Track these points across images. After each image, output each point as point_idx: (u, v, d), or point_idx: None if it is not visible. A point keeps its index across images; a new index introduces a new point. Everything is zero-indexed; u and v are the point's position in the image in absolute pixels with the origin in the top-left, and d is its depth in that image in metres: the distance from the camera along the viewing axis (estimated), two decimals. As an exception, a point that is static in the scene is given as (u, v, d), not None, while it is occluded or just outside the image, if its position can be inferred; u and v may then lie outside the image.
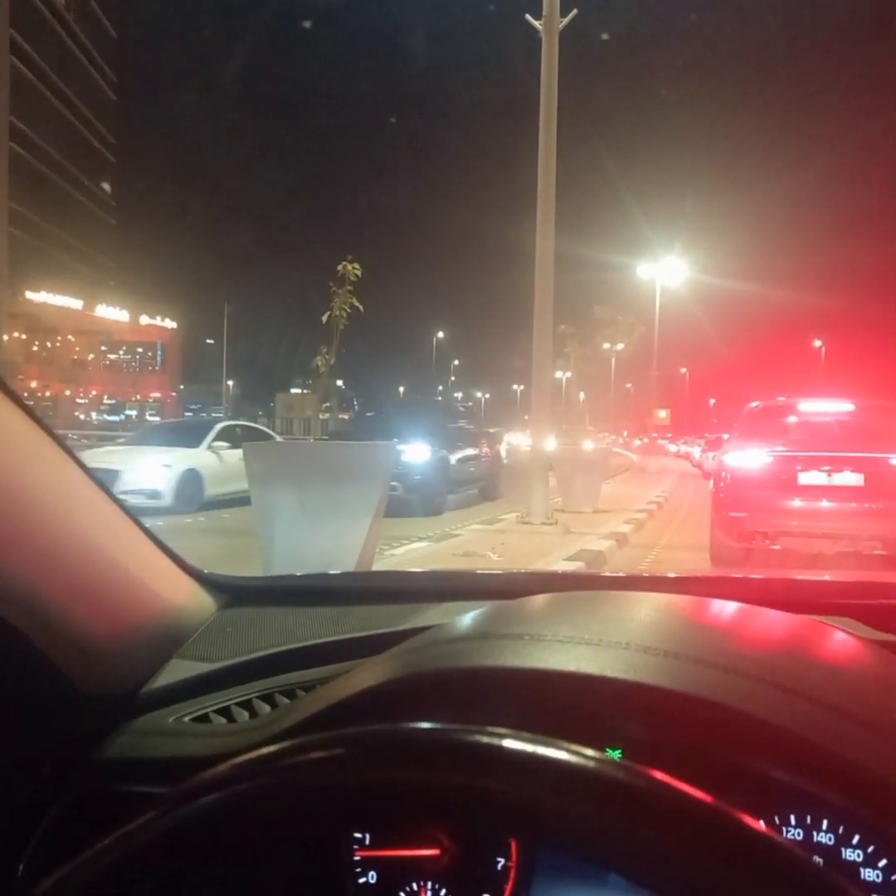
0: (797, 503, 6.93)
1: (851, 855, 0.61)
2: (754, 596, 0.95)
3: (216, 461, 11.69)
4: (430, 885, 0.71)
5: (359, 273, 5.68)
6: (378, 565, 5.71)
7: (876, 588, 1.12)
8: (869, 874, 0.60)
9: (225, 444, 11.89)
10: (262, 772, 0.45)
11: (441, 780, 0.43)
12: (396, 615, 1.02)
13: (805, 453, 7.10)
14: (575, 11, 9.49)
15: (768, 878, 0.36)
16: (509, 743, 0.42)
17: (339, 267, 5.66)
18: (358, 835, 0.74)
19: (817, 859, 0.61)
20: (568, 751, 0.41)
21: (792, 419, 7.88)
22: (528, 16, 9.62)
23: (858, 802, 0.57)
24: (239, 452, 12.37)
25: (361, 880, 0.74)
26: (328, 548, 4.80)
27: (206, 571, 1.10)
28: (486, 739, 0.43)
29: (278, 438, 13.55)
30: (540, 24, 9.54)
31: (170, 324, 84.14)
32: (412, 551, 7.45)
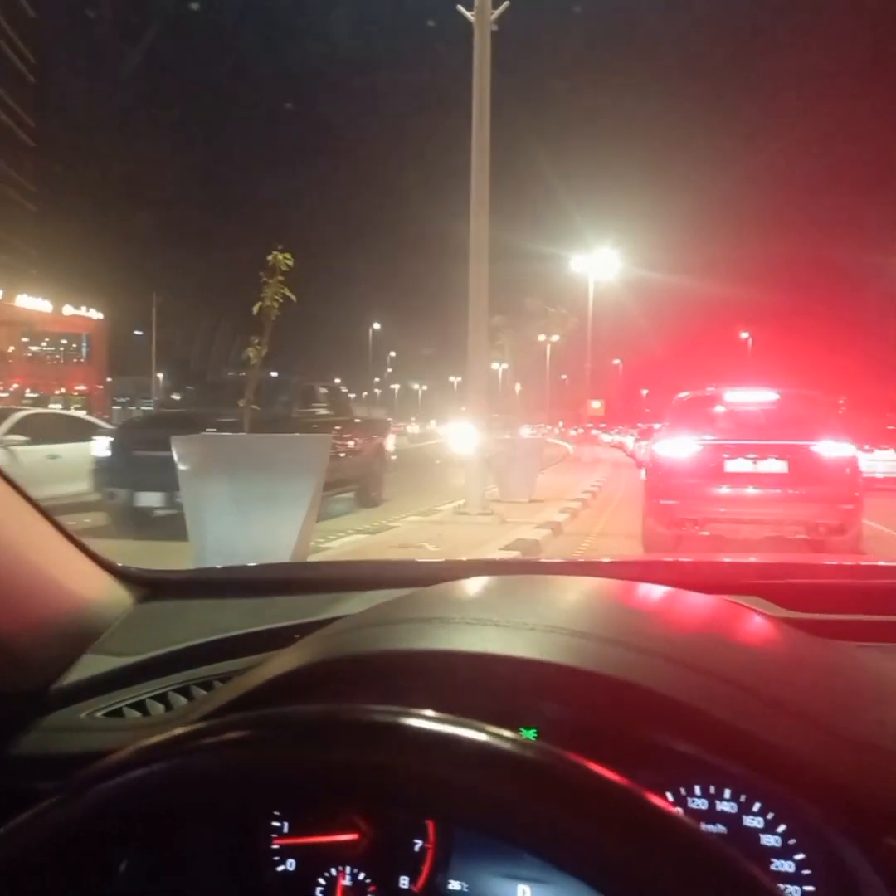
0: (725, 490, 7.12)
1: (752, 822, 0.64)
2: (670, 578, 0.98)
3: (7, 460, 8.85)
4: (348, 869, 0.72)
5: (290, 263, 5.60)
6: (313, 559, 5.66)
7: (783, 568, 1.18)
8: (768, 839, 0.63)
9: (23, 438, 9.43)
10: (162, 756, 0.44)
11: (349, 760, 0.42)
12: (319, 605, 1.01)
13: (732, 442, 7.31)
14: (507, 2, 9.51)
15: (675, 858, 0.37)
16: (417, 722, 0.42)
17: (270, 257, 5.58)
18: (276, 823, 0.73)
19: (720, 827, 0.64)
20: (478, 730, 0.41)
21: (719, 408, 8.09)
22: (460, 6, 9.60)
23: (758, 772, 0.60)
24: (47, 449, 9.69)
25: (280, 868, 0.73)
26: (262, 542, 4.74)
27: (120, 565, 1.07)
28: (393, 719, 0.43)
29: (106, 427, 10.86)
30: (472, 15, 9.53)
31: (95, 314, 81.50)
32: (348, 544, 7.41)
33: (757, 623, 0.85)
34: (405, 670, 0.68)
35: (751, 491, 7.07)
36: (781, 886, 0.62)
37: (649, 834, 0.38)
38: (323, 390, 11.17)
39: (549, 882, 0.65)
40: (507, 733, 0.41)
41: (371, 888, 0.71)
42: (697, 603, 0.89)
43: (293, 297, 5.54)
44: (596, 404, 34.99)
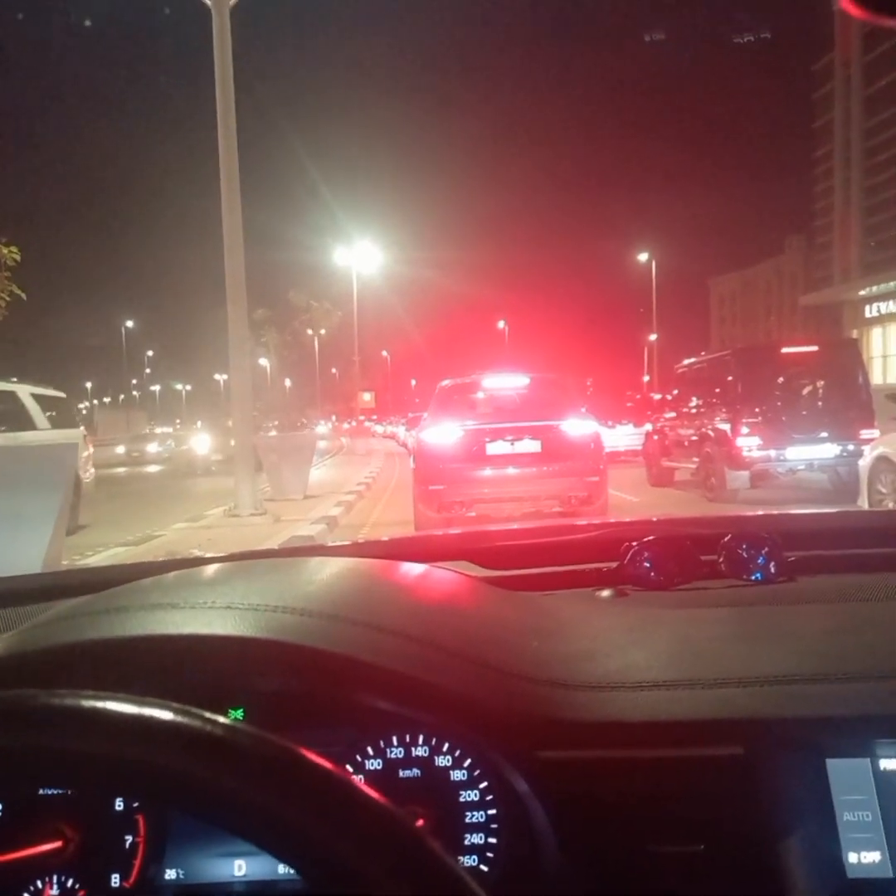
0: (487, 472, 7.51)
1: (442, 761, 0.71)
2: (396, 552, 1.07)
3: None
4: (55, 878, 0.69)
5: (17, 257, 5.11)
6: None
7: (489, 535, 1.33)
8: (457, 775, 0.70)
9: None
10: None
11: (38, 746, 0.39)
12: (35, 615, 0.94)
13: (491, 425, 7.72)
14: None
15: (367, 838, 0.38)
16: (111, 705, 0.40)
17: (-8, 250, 5.05)
18: None
19: (416, 771, 0.71)
20: (174, 711, 0.40)
21: (479, 394, 8.52)
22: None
23: (444, 718, 0.66)
24: None
25: None
26: (1, 563, 4.29)
27: None
28: (87, 702, 0.40)
29: None
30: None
31: None
32: (110, 559, 6.91)
33: (455, 582, 0.95)
34: (108, 658, 0.65)
35: (510, 470, 7.51)
36: (469, 813, 0.69)
37: (343, 815, 0.38)
38: None
39: (263, 853, 0.67)
40: (205, 714, 0.41)
41: (80, 893, 0.69)
42: (405, 571, 0.97)
43: (22, 295, 5.06)
44: (367, 396, 35.26)
